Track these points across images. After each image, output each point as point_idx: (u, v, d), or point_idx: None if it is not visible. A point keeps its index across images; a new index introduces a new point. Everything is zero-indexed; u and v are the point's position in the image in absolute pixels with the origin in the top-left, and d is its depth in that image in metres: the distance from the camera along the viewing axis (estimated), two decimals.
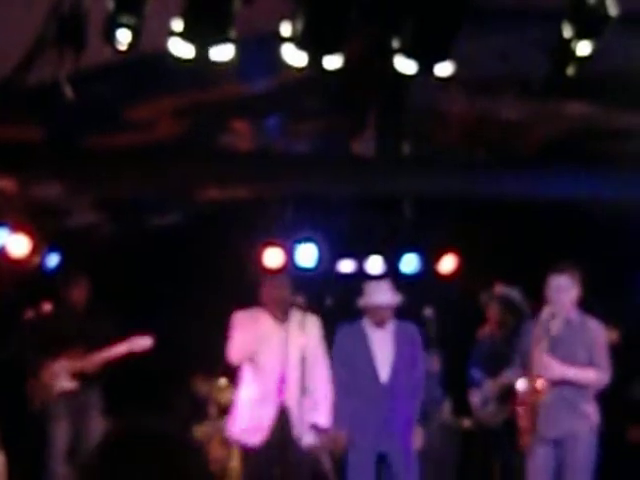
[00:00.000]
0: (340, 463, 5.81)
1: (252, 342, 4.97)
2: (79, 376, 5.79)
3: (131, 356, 5.80)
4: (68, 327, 5.86)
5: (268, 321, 5.07)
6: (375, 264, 7.24)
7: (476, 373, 6.34)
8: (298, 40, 4.31)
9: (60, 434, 5.77)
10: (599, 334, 5.06)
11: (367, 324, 5.37)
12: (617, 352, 5.34)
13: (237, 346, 5.02)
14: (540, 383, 4.89)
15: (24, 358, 5.88)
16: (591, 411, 5.00)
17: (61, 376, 5.77)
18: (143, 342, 5.77)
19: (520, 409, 5.00)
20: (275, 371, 4.92)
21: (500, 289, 6.25)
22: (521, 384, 4.99)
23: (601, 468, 5.06)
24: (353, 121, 6.28)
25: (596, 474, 5.02)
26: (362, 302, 5.37)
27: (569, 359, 4.96)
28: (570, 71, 4.60)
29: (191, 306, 6.93)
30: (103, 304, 6.03)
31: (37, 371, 5.79)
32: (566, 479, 4.96)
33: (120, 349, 5.77)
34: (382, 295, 5.32)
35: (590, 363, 4.99)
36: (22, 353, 5.87)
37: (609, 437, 5.12)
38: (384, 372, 5.29)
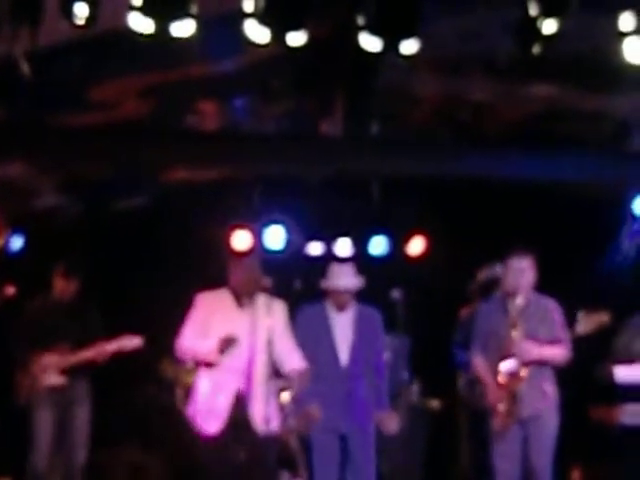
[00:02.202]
0: (306, 444, 5.81)
1: (200, 350, 4.88)
2: (67, 371, 5.71)
3: (120, 354, 5.72)
4: (54, 320, 5.77)
5: (231, 305, 5.00)
6: (344, 246, 7.22)
7: (462, 355, 6.32)
8: (261, 16, 4.27)
9: (44, 427, 5.68)
10: (556, 312, 5.16)
11: (329, 307, 5.36)
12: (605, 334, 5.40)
13: (184, 349, 4.95)
14: (524, 371, 4.96)
15: (12, 350, 5.78)
16: (551, 390, 5.09)
17: (50, 371, 5.69)
18: (133, 342, 5.70)
19: (500, 392, 5.01)
20: (239, 356, 4.85)
21: (488, 273, 6.22)
22: (503, 369, 5.00)
23: (564, 447, 5.10)
24: (321, 102, 6.24)
25: (559, 452, 5.07)
26: (324, 284, 5.36)
27: (532, 337, 5.05)
28: (536, 50, 4.60)
29: (158, 289, 6.88)
30: (92, 299, 5.95)
31: (26, 364, 5.69)
32: (531, 457, 5.02)
33: (110, 347, 5.68)
34: (343, 279, 5.30)
35: (551, 340, 5.07)
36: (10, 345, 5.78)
37: (572, 416, 5.16)
38: (344, 355, 5.29)
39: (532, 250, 5.11)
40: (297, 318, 5.35)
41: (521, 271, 5.07)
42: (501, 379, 4.99)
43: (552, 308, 5.15)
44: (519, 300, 5.05)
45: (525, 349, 4.99)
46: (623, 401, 5.28)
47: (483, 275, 6.25)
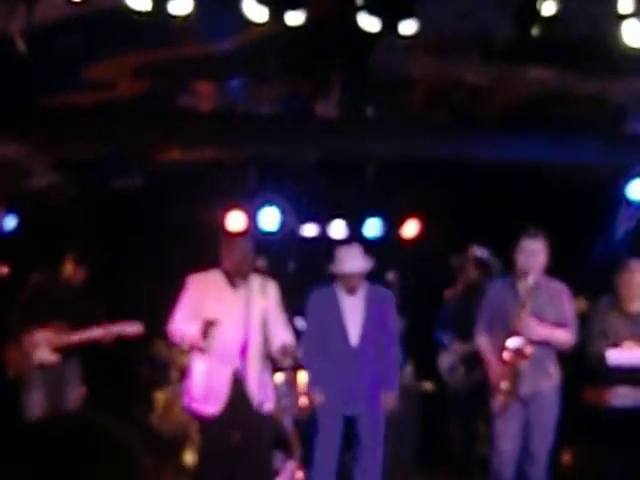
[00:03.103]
0: (302, 425, 5.82)
1: (188, 335, 4.86)
2: (60, 350, 5.69)
3: (118, 340, 5.70)
4: (58, 300, 5.74)
5: (224, 286, 4.98)
6: (338, 228, 7.23)
7: (444, 336, 6.34)
8: None
9: (37, 408, 5.65)
10: (565, 295, 5.17)
11: (339, 289, 5.34)
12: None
13: (175, 332, 4.92)
14: (529, 348, 4.95)
15: (8, 322, 5.74)
16: (554, 370, 5.12)
17: (42, 347, 5.66)
18: (133, 328, 5.69)
19: (504, 369, 5.01)
20: (234, 337, 4.84)
21: (474, 251, 6.24)
22: (509, 345, 5.00)
23: (558, 430, 5.13)
24: (317, 83, 6.21)
25: (555, 434, 5.10)
26: (333, 269, 5.32)
27: (539, 317, 5.07)
28: (535, 32, 4.58)
29: (152, 269, 6.87)
30: (95, 285, 5.92)
31: (19, 338, 5.66)
32: (532, 436, 5.06)
33: (109, 332, 5.66)
34: (352, 262, 5.27)
35: (558, 323, 5.09)
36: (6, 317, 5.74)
37: (566, 399, 5.19)
38: (354, 335, 5.28)
39: (545, 231, 5.08)
40: (308, 302, 5.36)
41: (533, 252, 5.04)
42: (506, 356, 4.99)
43: (561, 291, 5.15)
44: (529, 280, 5.04)
45: (531, 327, 4.99)
46: (615, 383, 5.30)
47: (474, 253, 6.25)
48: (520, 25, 4.62)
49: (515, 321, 5.00)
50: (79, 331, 5.68)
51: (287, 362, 4.96)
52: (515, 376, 5.00)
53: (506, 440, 5.04)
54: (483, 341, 5.20)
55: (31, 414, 5.64)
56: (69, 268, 5.82)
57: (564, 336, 5.09)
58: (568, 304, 5.15)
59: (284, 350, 4.84)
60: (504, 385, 5.02)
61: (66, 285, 5.82)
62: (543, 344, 5.05)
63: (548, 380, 5.08)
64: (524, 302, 5.02)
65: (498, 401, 5.05)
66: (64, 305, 5.73)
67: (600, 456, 5.66)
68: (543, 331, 5.03)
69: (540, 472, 5.06)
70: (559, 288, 5.16)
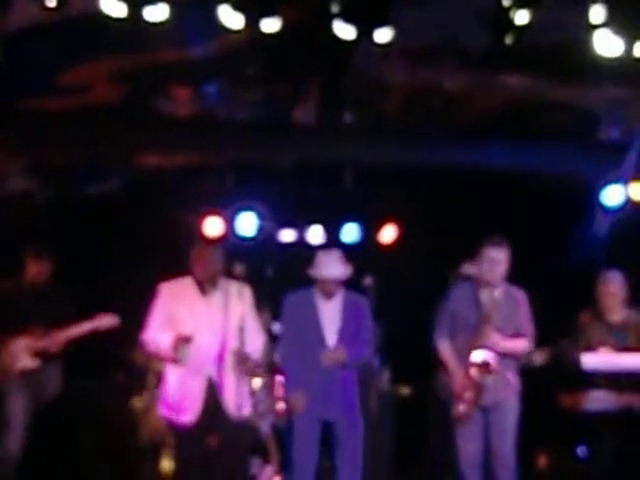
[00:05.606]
0: (279, 431, 5.83)
1: (159, 347, 4.84)
2: (40, 354, 5.67)
3: (95, 334, 5.68)
4: (27, 304, 5.72)
5: (195, 294, 4.97)
6: (316, 234, 7.25)
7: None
8: (235, 1, 4.26)
9: (18, 411, 5.64)
10: (523, 303, 5.21)
11: (317, 293, 5.37)
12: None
13: (147, 343, 4.89)
14: (494, 363, 4.99)
15: None
16: (513, 379, 5.18)
17: (22, 355, 5.63)
18: (109, 320, 5.67)
19: (468, 380, 5.04)
20: (208, 345, 4.82)
21: (466, 269, 6.25)
22: (475, 359, 5.03)
23: (530, 433, 5.18)
24: (295, 89, 6.25)
25: (526, 439, 5.15)
26: (311, 273, 5.35)
27: (500, 330, 5.11)
28: (509, 40, 4.64)
29: (130, 275, 6.85)
30: (64, 284, 5.89)
31: None
32: (493, 439, 5.11)
33: (85, 327, 5.65)
34: (331, 268, 5.30)
35: (517, 333, 5.15)
36: None
37: (539, 403, 5.24)
38: (331, 340, 5.30)
39: (507, 240, 5.09)
40: (285, 304, 5.37)
41: (497, 261, 5.07)
42: (473, 372, 5.01)
43: (520, 300, 5.19)
44: (495, 294, 5.06)
45: (495, 342, 5.03)
46: (589, 388, 5.35)
47: (467, 270, 6.27)
48: (494, 33, 4.68)
49: (479, 335, 5.04)
50: (55, 333, 5.65)
51: (244, 370, 4.91)
52: (479, 388, 5.04)
53: (468, 443, 5.11)
54: (445, 347, 5.21)
55: (12, 419, 5.63)
56: (31, 269, 5.79)
57: (523, 346, 5.16)
58: (525, 312, 5.19)
59: (239, 358, 4.82)
60: (467, 395, 5.06)
61: (31, 286, 5.79)
62: (504, 355, 5.09)
63: (508, 389, 5.13)
64: (488, 316, 5.05)
65: (460, 409, 5.09)
66: (34, 308, 5.71)
67: (575, 460, 5.72)
68: (505, 344, 5.08)
69: (509, 472, 5.11)
70: (517, 296, 5.19)
